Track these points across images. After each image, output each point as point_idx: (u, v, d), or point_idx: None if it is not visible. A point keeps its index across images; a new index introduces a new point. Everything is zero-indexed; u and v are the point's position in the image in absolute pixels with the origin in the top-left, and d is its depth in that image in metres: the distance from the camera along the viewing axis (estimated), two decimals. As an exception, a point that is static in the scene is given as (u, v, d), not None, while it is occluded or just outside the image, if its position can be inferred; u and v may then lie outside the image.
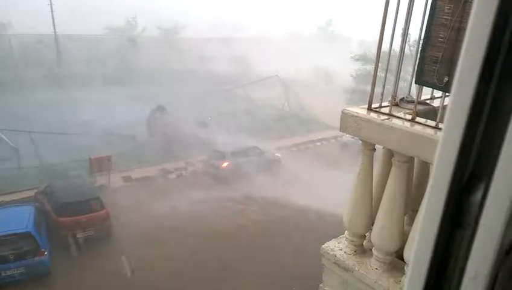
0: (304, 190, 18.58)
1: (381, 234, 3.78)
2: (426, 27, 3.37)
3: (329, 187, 16.18)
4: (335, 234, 4.27)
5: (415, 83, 3.62)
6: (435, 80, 3.36)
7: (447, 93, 3.51)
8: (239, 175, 20.83)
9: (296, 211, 17.02)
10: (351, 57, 32.18)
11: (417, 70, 3.52)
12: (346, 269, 4.02)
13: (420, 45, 3.47)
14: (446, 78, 3.27)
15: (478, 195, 0.64)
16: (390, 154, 3.77)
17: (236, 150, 21.79)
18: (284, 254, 14.58)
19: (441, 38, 3.27)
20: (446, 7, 3.20)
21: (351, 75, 31.57)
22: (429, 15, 3.33)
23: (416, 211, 3.94)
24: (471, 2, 3.02)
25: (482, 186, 0.63)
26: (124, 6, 41.61)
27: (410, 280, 0.73)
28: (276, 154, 23.07)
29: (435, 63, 3.34)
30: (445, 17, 3.22)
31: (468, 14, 3.02)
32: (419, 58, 3.49)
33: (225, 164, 20.95)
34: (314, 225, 15.11)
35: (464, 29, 2.91)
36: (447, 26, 3.22)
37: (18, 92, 26.42)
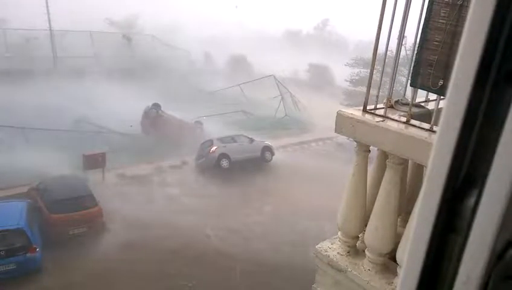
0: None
1: (374, 235, 3.79)
2: (422, 30, 3.39)
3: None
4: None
5: (410, 85, 3.64)
6: (430, 83, 3.38)
7: (441, 96, 3.53)
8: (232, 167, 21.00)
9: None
10: (346, 64, 32.32)
11: (412, 73, 3.54)
12: (339, 270, 4.03)
13: (416, 48, 3.48)
14: (441, 82, 3.28)
15: (471, 200, 0.64)
16: (384, 155, 3.79)
17: (223, 136, 22.21)
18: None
19: (437, 41, 3.29)
20: (442, 11, 3.21)
21: (346, 80, 31.67)
22: (425, 19, 3.34)
23: (410, 213, 3.96)
24: (466, 6, 3.03)
25: (475, 191, 0.63)
26: (121, 3, 41.42)
27: (403, 282, 0.74)
28: (266, 142, 23.16)
29: (430, 66, 3.35)
30: (440, 21, 3.23)
31: (463, 18, 3.04)
32: (415, 62, 3.50)
33: (213, 148, 21.25)
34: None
35: (460, 33, 2.93)
36: (442, 30, 3.23)
37: (12, 88, 26.23)
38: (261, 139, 23.43)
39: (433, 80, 3.34)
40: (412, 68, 3.56)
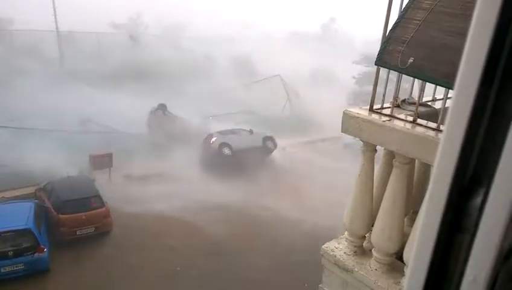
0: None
1: (381, 235, 3.78)
2: (404, 9, 3.29)
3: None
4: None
5: (375, 64, 3.46)
6: (398, 62, 3.19)
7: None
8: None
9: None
10: (353, 62, 32.25)
11: (379, 52, 3.36)
12: (345, 270, 4.02)
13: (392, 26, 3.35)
14: (411, 59, 3.13)
15: (478, 199, 0.64)
16: (391, 155, 3.77)
17: (222, 130, 22.68)
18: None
19: (416, 20, 3.15)
20: None
21: (354, 77, 31.58)
22: (409, 0, 3.26)
23: (417, 213, 3.94)
24: None
25: (482, 191, 0.63)
26: (127, 4, 41.59)
27: (409, 282, 0.73)
28: (267, 133, 23.27)
29: (401, 43, 3.19)
30: (427, 1, 3.13)
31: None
32: (386, 39, 3.33)
33: (213, 139, 21.82)
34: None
35: (445, 13, 2.82)
36: (426, 9, 3.12)
37: (19, 89, 26.43)
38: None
39: (402, 58, 3.16)
40: (380, 46, 3.38)
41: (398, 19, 3.28)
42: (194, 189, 19.01)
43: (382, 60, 3.36)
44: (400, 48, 3.19)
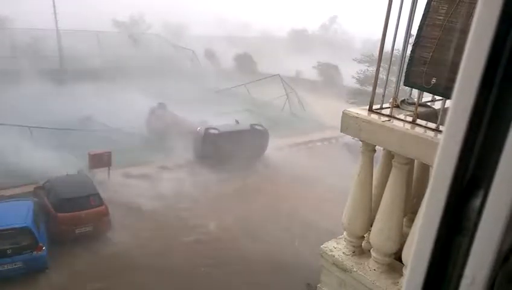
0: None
1: (380, 235, 3.78)
2: (419, 27, 3.35)
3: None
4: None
5: (404, 84, 3.59)
6: (422, 82, 3.32)
7: (436, 96, 3.50)
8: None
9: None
10: (353, 60, 32.22)
11: (406, 72, 3.48)
12: (344, 270, 4.02)
13: (412, 46, 3.45)
14: (434, 80, 3.23)
15: (477, 201, 0.64)
16: (390, 155, 3.77)
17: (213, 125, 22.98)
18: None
19: (433, 38, 3.23)
20: (440, 7, 3.17)
21: (353, 76, 31.57)
22: (423, 15, 3.30)
23: (416, 213, 3.94)
24: (465, 3, 2.99)
25: (481, 192, 0.63)
26: (128, 3, 41.59)
27: (408, 283, 0.73)
28: (258, 126, 23.37)
29: (423, 64, 3.30)
30: (438, 17, 3.18)
31: (462, 14, 3.00)
32: (409, 60, 3.45)
33: (199, 128, 22.25)
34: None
35: (457, 30, 2.86)
36: (439, 26, 3.18)
37: (18, 87, 26.43)
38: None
39: (426, 78, 3.28)
40: (406, 67, 3.50)
41: (416, 38, 3.36)
42: (192, 187, 19.04)
43: (409, 81, 3.50)
44: (423, 68, 3.29)
